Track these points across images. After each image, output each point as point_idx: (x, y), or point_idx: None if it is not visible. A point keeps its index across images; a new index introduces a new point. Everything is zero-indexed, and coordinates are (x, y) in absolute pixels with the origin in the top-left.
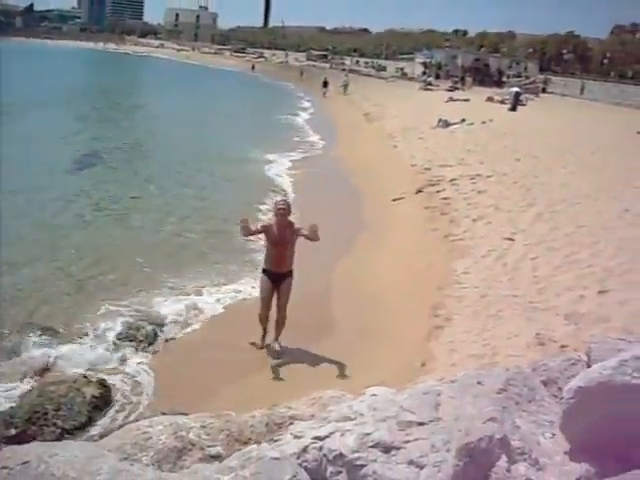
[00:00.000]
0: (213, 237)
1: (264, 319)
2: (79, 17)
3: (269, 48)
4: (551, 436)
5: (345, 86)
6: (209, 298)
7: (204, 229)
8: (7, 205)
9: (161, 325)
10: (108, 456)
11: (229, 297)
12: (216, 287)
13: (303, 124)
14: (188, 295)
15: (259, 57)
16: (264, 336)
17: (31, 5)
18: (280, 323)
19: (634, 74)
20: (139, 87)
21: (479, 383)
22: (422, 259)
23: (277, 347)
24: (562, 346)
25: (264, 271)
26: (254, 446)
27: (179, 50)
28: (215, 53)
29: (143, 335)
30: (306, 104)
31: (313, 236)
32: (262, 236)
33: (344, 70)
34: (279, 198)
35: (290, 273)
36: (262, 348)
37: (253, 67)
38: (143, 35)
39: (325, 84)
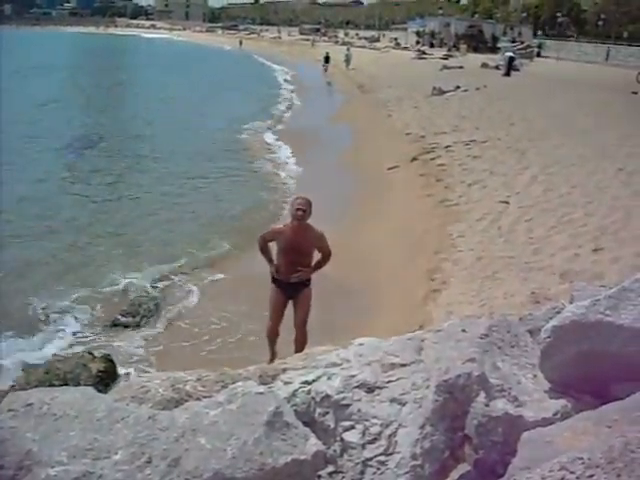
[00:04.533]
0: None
1: (273, 335)
2: (68, 1)
3: (261, 24)
4: (532, 377)
5: (347, 60)
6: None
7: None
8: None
9: (162, 298)
10: (105, 397)
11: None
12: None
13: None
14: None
15: (251, 33)
16: (273, 353)
17: None
18: (300, 342)
19: (630, 35)
20: (126, 68)
21: (463, 331)
22: (418, 224)
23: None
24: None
25: (274, 280)
26: (240, 383)
27: (170, 30)
28: (207, 31)
29: (145, 310)
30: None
31: (324, 263)
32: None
33: (337, 43)
34: (298, 197)
35: (308, 282)
36: None
37: (241, 43)
38: (134, 17)
39: (327, 59)
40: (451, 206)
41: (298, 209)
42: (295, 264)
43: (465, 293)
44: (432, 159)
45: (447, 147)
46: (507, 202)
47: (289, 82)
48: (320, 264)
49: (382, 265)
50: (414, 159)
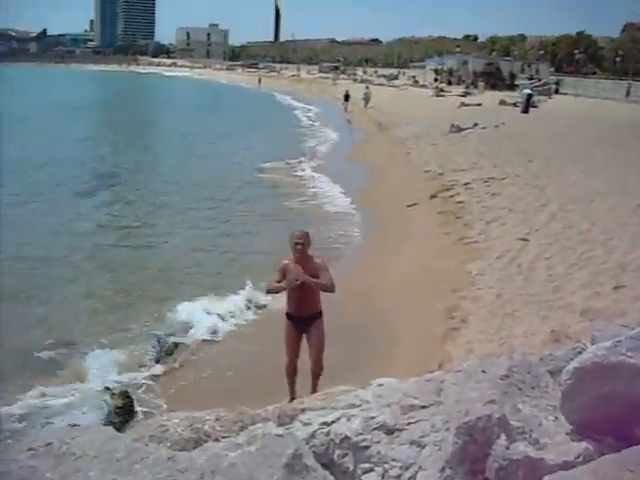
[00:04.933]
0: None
1: (291, 372)
2: (92, 40)
3: (281, 62)
4: (553, 419)
5: (366, 99)
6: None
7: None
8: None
9: (185, 334)
10: (124, 438)
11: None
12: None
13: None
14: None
15: (271, 71)
16: (293, 392)
17: (44, 30)
18: (316, 373)
19: None
20: (148, 105)
21: (483, 371)
22: (437, 262)
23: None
24: (577, 342)
25: (287, 315)
26: (260, 424)
27: (191, 68)
28: (227, 69)
29: (164, 345)
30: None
31: (327, 286)
32: None
33: (355, 81)
34: (296, 230)
35: (319, 315)
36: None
37: (260, 81)
38: (156, 55)
39: (346, 97)
40: (470, 243)
41: (296, 243)
42: (302, 296)
43: (485, 331)
44: (451, 196)
45: (466, 184)
46: (526, 239)
47: (309, 120)
48: (320, 283)
49: (401, 303)
50: (433, 196)
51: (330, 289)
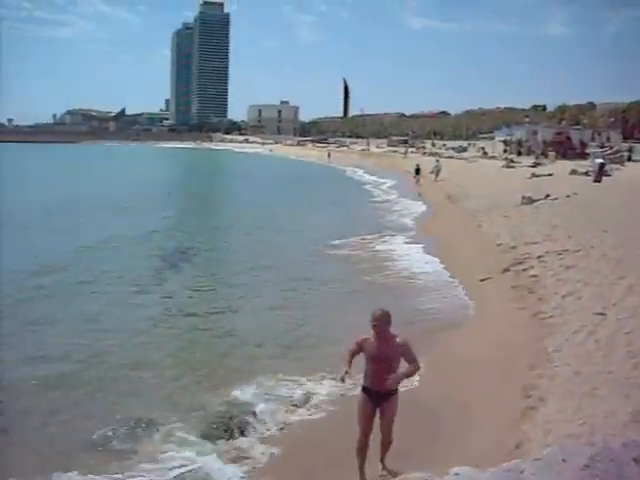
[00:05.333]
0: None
1: (363, 447)
2: (167, 118)
3: (350, 136)
4: None
5: (437, 172)
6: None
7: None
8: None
9: (259, 414)
10: None
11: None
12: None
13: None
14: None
15: (340, 146)
16: (363, 473)
17: (123, 110)
18: (386, 445)
19: None
20: (220, 181)
21: (563, 460)
22: (512, 338)
23: (382, 471)
24: None
25: (363, 389)
26: None
27: (263, 144)
28: (298, 144)
29: (240, 424)
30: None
31: (413, 372)
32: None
33: (425, 154)
34: (376, 309)
35: (395, 391)
36: None
37: (329, 155)
38: (228, 132)
39: (417, 171)
40: (545, 319)
41: (374, 325)
42: (382, 372)
43: (563, 411)
44: (524, 270)
45: (539, 257)
46: (604, 314)
47: (381, 194)
48: (408, 373)
49: (475, 381)
50: (506, 270)
51: (414, 373)
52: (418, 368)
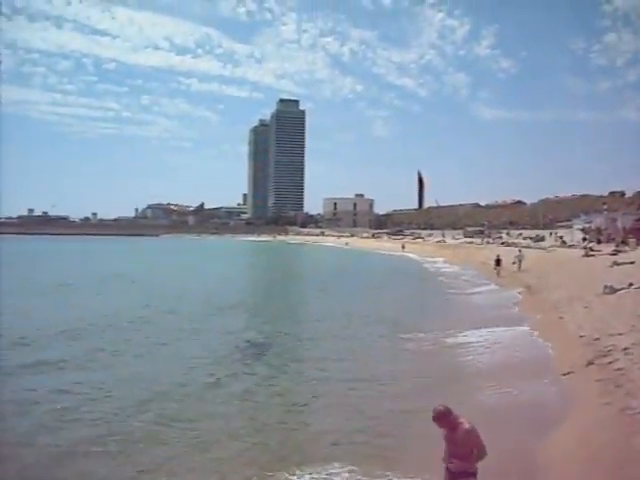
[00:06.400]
0: None
1: None
2: (245, 212)
3: (425, 228)
4: None
5: (519, 262)
6: None
7: None
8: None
9: None
10: None
11: None
12: None
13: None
14: None
15: (416, 238)
16: None
17: (202, 204)
18: None
19: None
20: (295, 277)
21: None
22: (599, 435)
23: None
24: None
25: (446, 468)
26: None
27: (339, 237)
28: (373, 237)
29: None
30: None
31: (479, 456)
32: None
33: (503, 244)
34: (437, 406)
35: (468, 475)
36: None
37: (403, 247)
38: (304, 225)
39: (498, 262)
40: (634, 415)
41: (435, 422)
42: (450, 455)
43: None
44: (609, 363)
45: (625, 349)
46: None
47: (456, 287)
48: (474, 458)
49: None
50: (590, 363)
51: (481, 457)
52: (484, 454)
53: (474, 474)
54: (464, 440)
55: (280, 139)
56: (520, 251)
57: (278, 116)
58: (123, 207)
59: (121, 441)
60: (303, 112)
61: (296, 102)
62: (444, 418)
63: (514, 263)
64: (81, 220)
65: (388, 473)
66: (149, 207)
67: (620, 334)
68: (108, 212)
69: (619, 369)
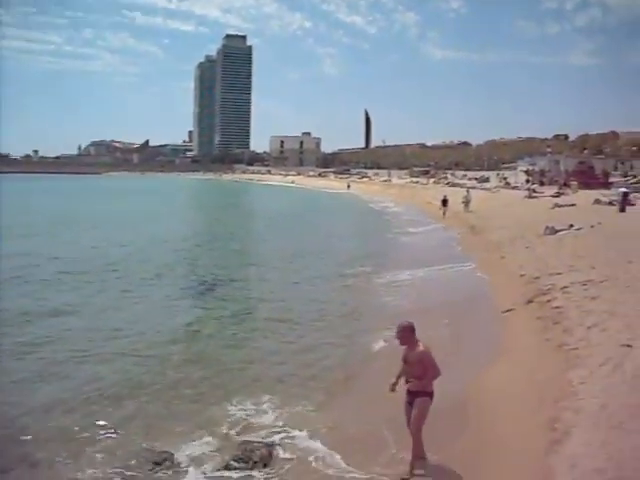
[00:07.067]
0: None
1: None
2: (190, 150)
3: (371, 168)
4: None
5: (466, 203)
6: None
7: None
8: None
9: (277, 444)
10: None
11: None
12: None
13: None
14: None
15: (362, 177)
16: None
17: (147, 142)
18: (413, 445)
19: None
20: (241, 213)
21: None
22: (536, 371)
23: (408, 475)
24: None
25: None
26: None
27: (285, 175)
28: (319, 175)
29: (258, 456)
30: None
31: (433, 376)
32: None
33: (448, 184)
34: (402, 322)
35: (423, 394)
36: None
37: (348, 186)
38: (251, 163)
39: (444, 202)
40: (570, 350)
41: (397, 337)
42: (408, 375)
43: (589, 444)
44: (548, 301)
45: (563, 288)
46: (630, 345)
47: (401, 226)
48: (429, 377)
49: (499, 413)
50: (530, 301)
51: (435, 376)
52: (438, 373)
53: (431, 394)
54: (420, 359)
55: (226, 75)
56: (468, 192)
57: (224, 52)
58: (66, 144)
59: None
60: (250, 48)
61: (243, 38)
62: (408, 333)
63: (463, 203)
64: (22, 158)
65: None
66: (92, 144)
67: (559, 273)
68: (50, 150)
69: (557, 307)
